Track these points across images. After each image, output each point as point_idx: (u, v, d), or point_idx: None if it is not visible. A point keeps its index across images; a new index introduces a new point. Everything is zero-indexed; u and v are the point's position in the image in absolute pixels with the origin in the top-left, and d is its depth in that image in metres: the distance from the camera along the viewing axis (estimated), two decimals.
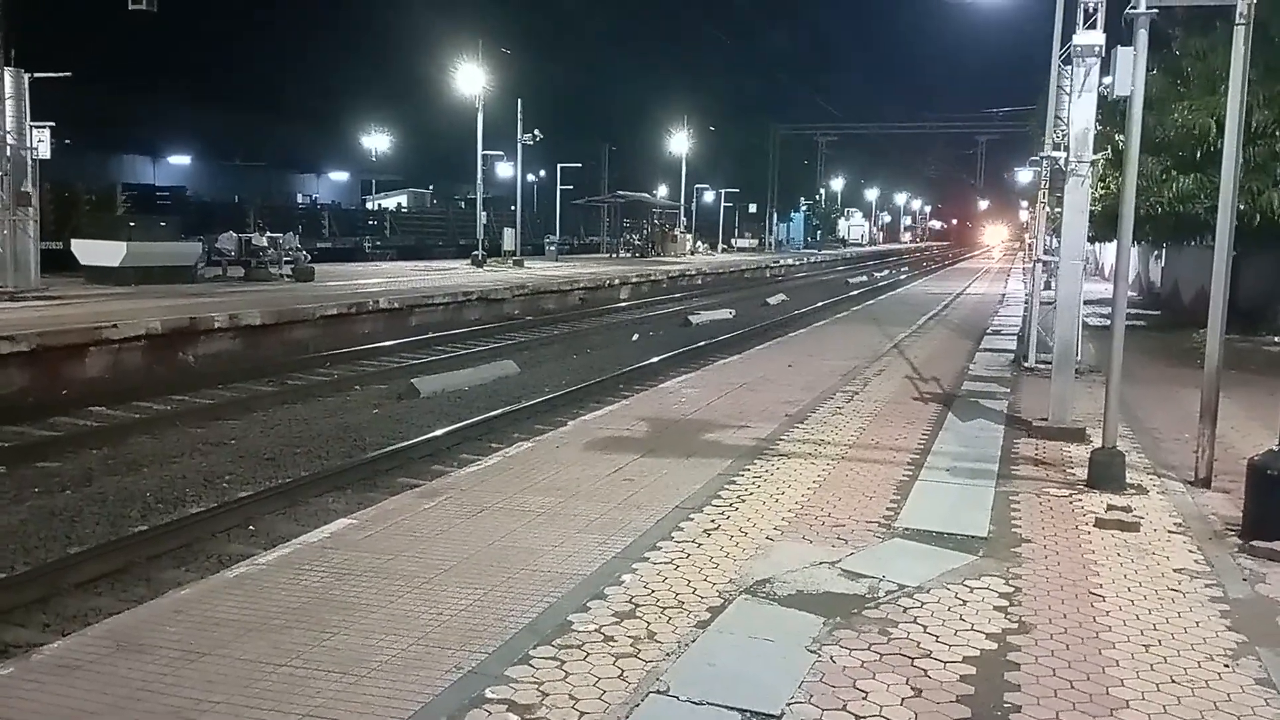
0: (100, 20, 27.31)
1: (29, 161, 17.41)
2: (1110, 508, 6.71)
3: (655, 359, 16.65)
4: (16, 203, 17.13)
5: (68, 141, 24.35)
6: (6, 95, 16.90)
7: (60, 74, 17.62)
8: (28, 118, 17.33)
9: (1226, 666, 4.33)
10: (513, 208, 40.91)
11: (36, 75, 17.31)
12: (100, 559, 6.86)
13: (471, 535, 5.82)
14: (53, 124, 17.73)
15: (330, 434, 11.06)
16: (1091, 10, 8.82)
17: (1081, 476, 7.46)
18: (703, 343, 19.05)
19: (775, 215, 76.05)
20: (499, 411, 11.98)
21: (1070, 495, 7.08)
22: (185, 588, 5.13)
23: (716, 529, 6.05)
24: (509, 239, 37.68)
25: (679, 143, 54.53)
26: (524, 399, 12.95)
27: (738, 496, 6.78)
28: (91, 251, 20.78)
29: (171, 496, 8.57)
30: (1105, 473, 7.26)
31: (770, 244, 72.08)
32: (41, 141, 17.55)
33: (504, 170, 44.32)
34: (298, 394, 13.20)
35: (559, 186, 47.92)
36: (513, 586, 5.01)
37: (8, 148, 16.94)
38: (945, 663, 4.28)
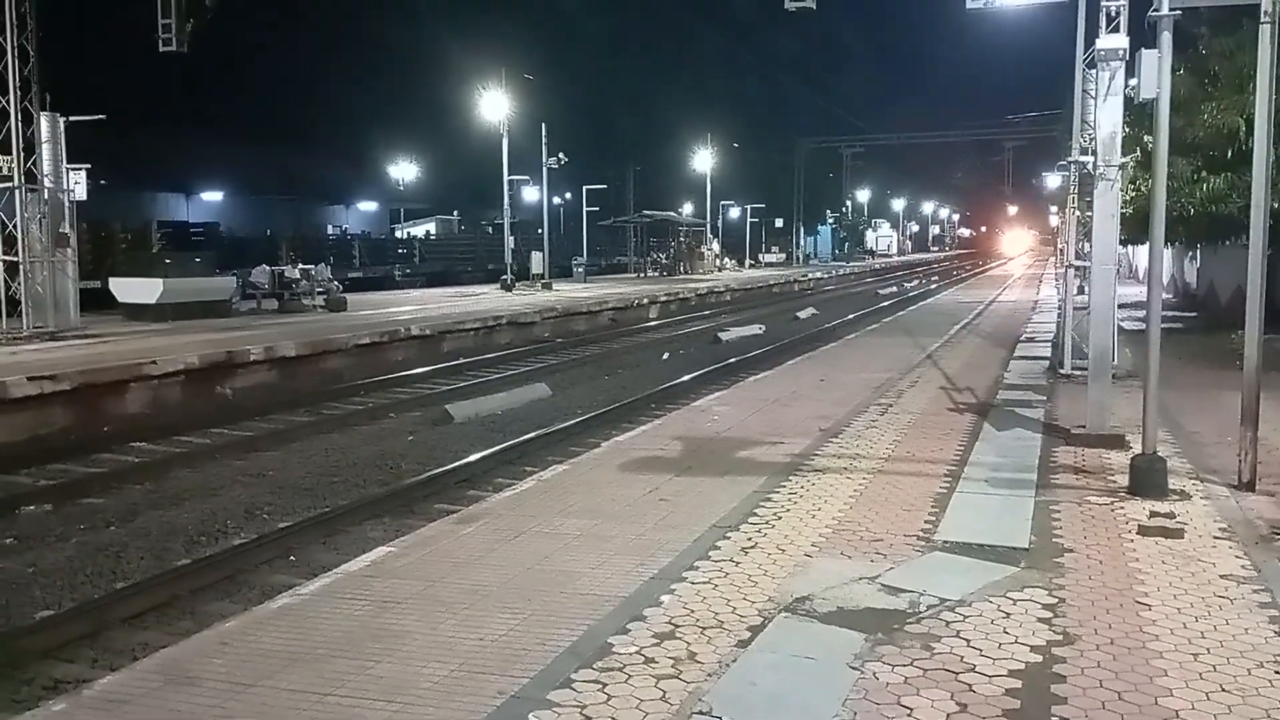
0: (132, 61, 27.89)
1: (66, 203, 17.78)
2: (1153, 514, 6.62)
3: (686, 377, 16.65)
4: (55, 244, 17.49)
5: (103, 182, 24.82)
6: (44, 139, 17.28)
7: (94, 117, 18.00)
8: (64, 160, 17.71)
9: (1277, 673, 4.26)
10: (540, 231, 41.15)
11: (72, 119, 17.69)
12: (146, 593, 6.96)
13: (510, 559, 5.84)
14: (88, 165, 18.10)
15: (367, 462, 11.15)
16: (1114, 14, 8.78)
17: (1122, 483, 7.37)
18: (733, 359, 19.03)
19: (802, 229, 75.94)
20: (533, 435, 12.03)
21: (1112, 503, 6.99)
22: (230, 620, 5.19)
23: (754, 547, 6.04)
24: (537, 262, 37.90)
25: (703, 160, 54.67)
26: (557, 421, 12.99)
27: (774, 514, 6.76)
28: (129, 289, 21.15)
29: (214, 529, 8.68)
30: (1147, 479, 7.17)
31: (798, 258, 71.94)
32: (78, 183, 17.92)
33: (530, 194, 44.68)
34: (334, 423, 13.33)
35: (585, 208, 48.15)
36: (552, 610, 5.02)
37: (45, 190, 17.32)
38: (990, 677, 4.24)
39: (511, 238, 35.74)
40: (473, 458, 10.82)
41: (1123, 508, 6.86)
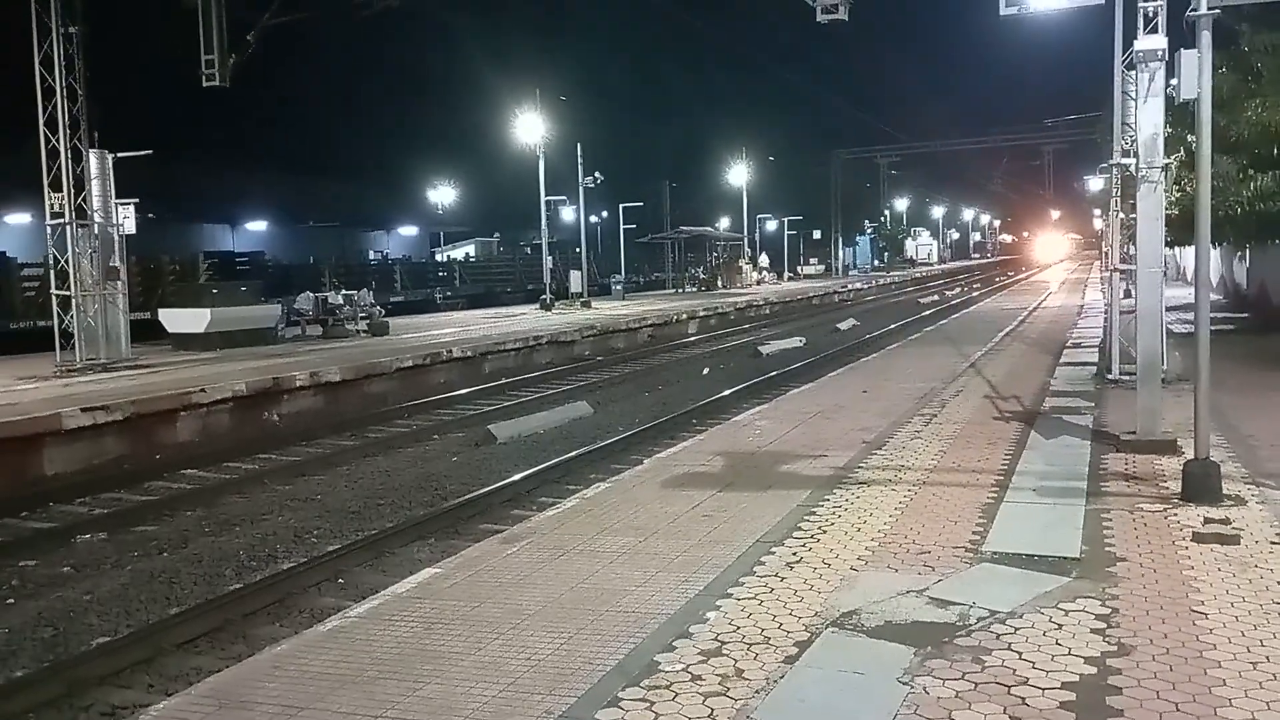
0: (177, 96, 28.55)
1: (116, 237, 18.18)
2: (1208, 521, 6.48)
3: (727, 391, 16.62)
4: (106, 277, 17.88)
5: (151, 215, 25.36)
6: (93, 175, 17.71)
7: (142, 152, 18.42)
8: (113, 196, 18.12)
9: None
10: (578, 250, 41.39)
11: (120, 155, 18.12)
12: (199, 618, 7.06)
13: (555, 579, 5.86)
14: (136, 200, 18.51)
15: (412, 484, 11.25)
16: (1151, 15, 8.67)
17: (1175, 490, 7.23)
18: (774, 372, 18.97)
19: (840, 240, 75.59)
20: (575, 453, 12.07)
21: (1165, 510, 6.86)
22: (281, 643, 5.25)
23: (799, 562, 6.00)
24: (575, 281, 38.10)
25: (739, 174, 54.68)
26: (599, 439, 13.02)
27: (819, 528, 6.71)
28: (177, 319, 21.57)
29: (264, 554, 8.80)
30: (1200, 485, 7.02)
31: (837, 269, 71.59)
32: (127, 218, 18.31)
33: (568, 214, 44.95)
34: (379, 446, 13.47)
35: (622, 226, 48.40)
36: (598, 628, 5.03)
37: (95, 225, 17.73)
38: (1044, 690, 4.17)
39: (550, 258, 36.01)
40: (516, 477, 10.88)
41: (1176, 515, 6.73)
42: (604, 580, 5.79)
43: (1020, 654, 4.53)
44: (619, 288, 43.58)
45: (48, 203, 17.48)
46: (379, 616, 5.39)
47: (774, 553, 6.18)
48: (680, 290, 48.05)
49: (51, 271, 18.24)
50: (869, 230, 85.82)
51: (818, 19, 16.75)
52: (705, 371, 20.81)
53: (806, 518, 6.96)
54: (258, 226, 58.62)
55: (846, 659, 4.57)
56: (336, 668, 4.70)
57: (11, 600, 7.87)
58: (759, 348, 24.42)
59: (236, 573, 8.32)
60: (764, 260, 58.62)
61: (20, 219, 42.85)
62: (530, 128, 34.12)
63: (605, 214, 57.38)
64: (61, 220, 17.41)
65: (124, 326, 18.49)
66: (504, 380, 19.35)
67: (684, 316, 31.22)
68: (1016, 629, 4.84)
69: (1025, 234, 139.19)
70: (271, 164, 52.32)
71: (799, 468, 8.65)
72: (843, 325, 30.74)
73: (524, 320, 28.49)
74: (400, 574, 7.15)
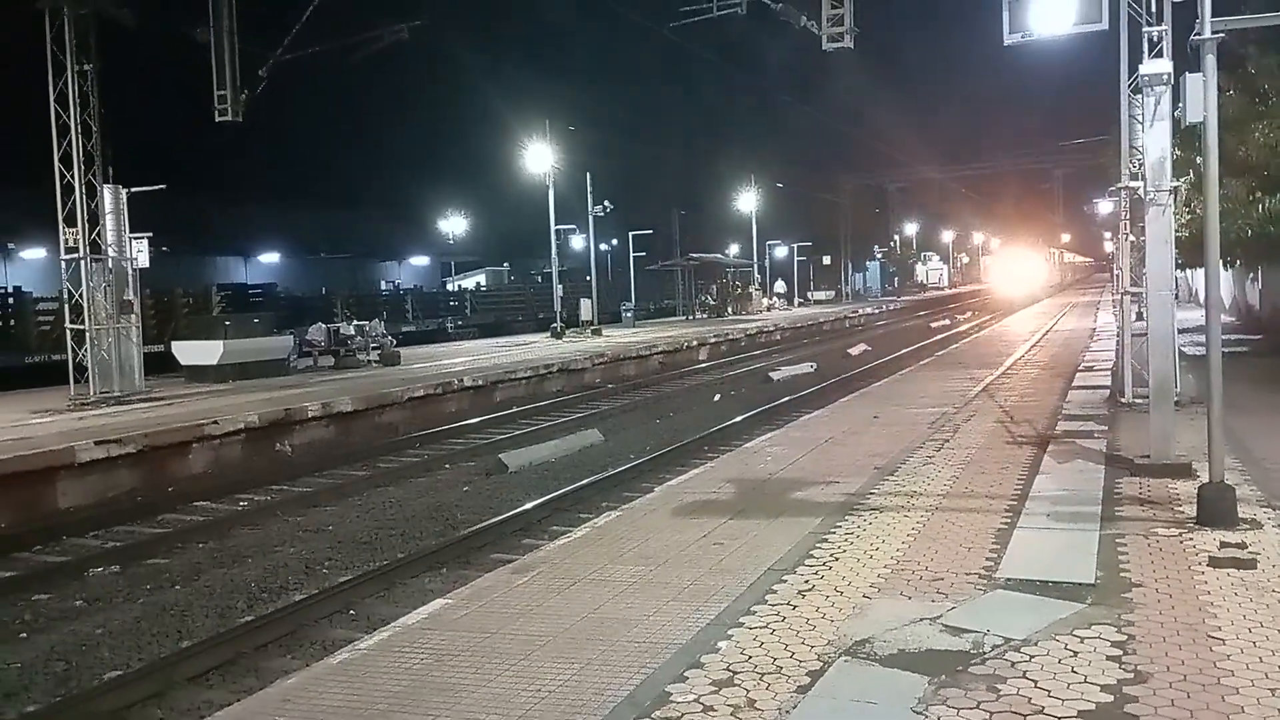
0: (190, 131, 28.87)
1: (130, 271, 18.34)
2: (1224, 545, 6.43)
3: (739, 418, 16.59)
4: (120, 311, 18.01)
5: (165, 249, 25.60)
6: (107, 210, 17.89)
7: (155, 187, 18.62)
8: (127, 230, 18.30)
9: None
10: (588, 278, 41.50)
11: (134, 190, 18.31)
12: (210, 651, 7.05)
13: (565, 609, 5.83)
14: (150, 234, 18.68)
15: (423, 514, 11.24)
16: (1156, 39, 8.71)
17: (1191, 514, 7.17)
18: (785, 399, 18.93)
19: (850, 265, 75.60)
20: (586, 481, 12.05)
21: (1180, 534, 6.80)
22: (292, 676, 5.24)
23: (811, 590, 5.97)
24: (586, 309, 38.16)
25: (747, 201, 54.84)
26: (610, 467, 13.00)
27: (831, 555, 6.68)
28: (191, 352, 21.68)
29: (275, 585, 8.80)
30: (1215, 509, 6.97)
31: (847, 294, 71.56)
32: (141, 252, 18.47)
33: (578, 242, 45.13)
34: (390, 476, 13.48)
35: (632, 253, 48.51)
36: (609, 659, 5.00)
37: (110, 260, 17.89)
38: (1059, 718, 4.12)
39: (560, 286, 36.08)
40: (527, 506, 10.86)
41: (1192, 539, 6.67)
42: (615, 610, 5.76)
43: (1036, 682, 4.49)
44: (629, 315, 43.61)
45: (63, 238, 17.66)
46: (389, 648, 5.38)
47: (786, 581, 6.15)
48: (691, 317, 48.07)
49: (66, 306, 18.38)
50: (879, 255, 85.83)
51: (823, 47, 16.88)
52: (716, 398, 20.78)
53: (818, 545, 6.92)
54: (270, 258, 59.03)
55: (860, 688, 4.53)
56: (347, 701, 4.68)
57: (24, 634, 7.87)
58: (770, 374, 24.39)
59: (248, 605, 8.32)
60: (779, 287, 58.61)
61: (36, 254, 43.30)
62: (539, 158, 34.34)
63: (615, 242, 57.59)
64: (76, 255, 17.57)
65: (138, 359, 18.60)
66: (515, 409, 19.37)
67: (694, 343, 31.23)
68: (1032, 657, 4.79)
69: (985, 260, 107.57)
70: (283, 196, 52.79)
71: (811, 494, 8.61)
72: (854, 350, 30.69)
73: (535, 349, 28.55)
74: (411, 605, 7.14)
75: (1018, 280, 64.40)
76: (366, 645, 5.49)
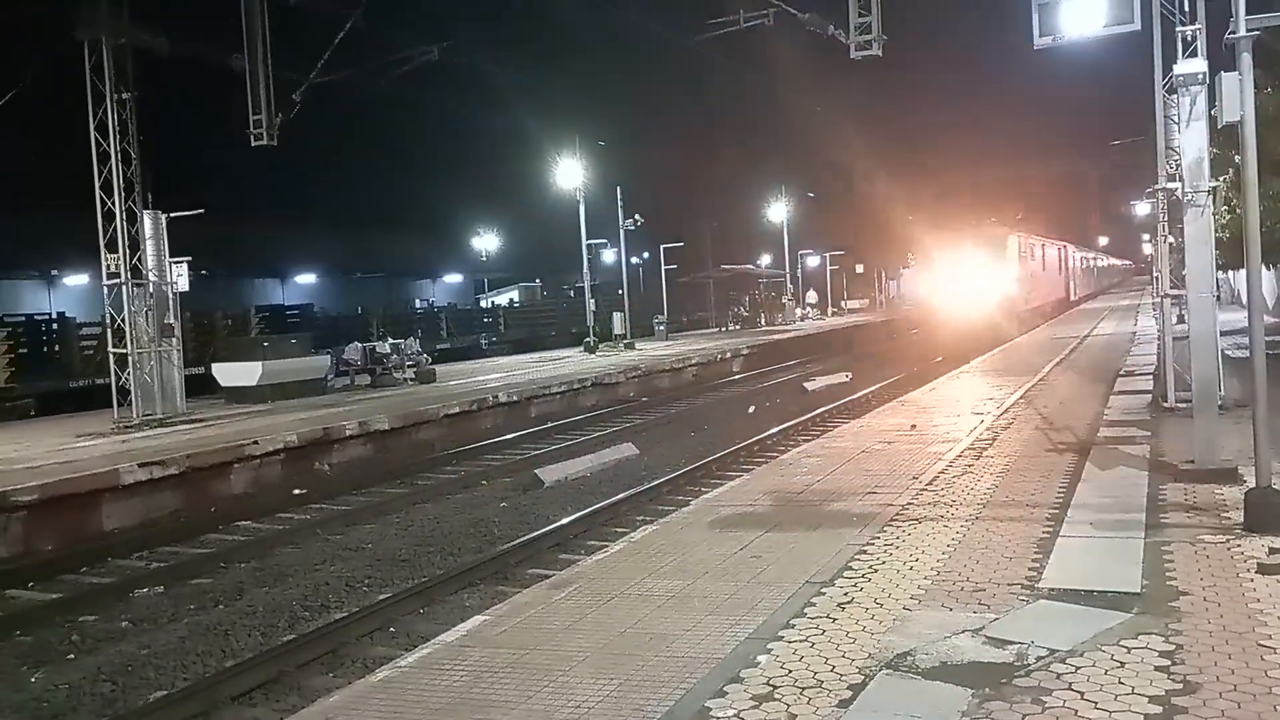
0: (227, 155, 29.35)
1: (170, 295, 18.63)
2: (1272, 551, 6.30)
3: (774, 430, 16.53)
4: (161, 335, 18.30)
5: (204, 272, 25.99)
6: (147, 236, 18.20)
7: (194, 212, 18.92)
8: (167, 254, 18.59)
9: None
10: (620, 292, 41.57)
11: (173, 215, 18.62)
12: (254, 670, 7.12)
13: (603, 624, 5.83)
14: (189, 258, 18.97)
15: (461, 531, 11.30)
16: (1190, 38, 8.59)
17: (1237, 520, 7.03)
18: (820, 410, 18.83)
19: (884, 273, 75.05)
20: (621, 496, 12.05)
21: (1227, 541, 6.67)
22: (334, 695, 5.28)
23: (851, 602, 5.91)
24: (618, 323, 38.19)
25: (778, 211, 54.71)
26: (645, 481, 12.99)
27: (870, 567, 6.62)
28: (230, 373, 21.97)
29: (316, 604, 8.87)
30: (1263, 514, 6.82)
31: (881, 302, 71.05)
32: (181, 275, 18.77)
33: (609, 256, 45.20)
34: (427, 493, 13.56)
35: (663, 266, 48.53)
36: (648, 674, 4.98)
37: (150, 284, 18.18)
38: None
39: (592, 300, 36.15)
40: (564, 521, 10.88)
41: (1239, 545, 6.54)
42: (653, 625, 5.74)
43: (1082, 694, 4.42)
44: (661, 328, 43.57)
45: (104, 263, 17.98)
46: (429, 665, 5.40)
47: (825, 593, 6.10)
48: (723, 329, 47.99)
49: (109, 330, 18.69)
50: (913, 261, 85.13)
51: (851, 55, 16.83)
52: (751, 410, 20.71)
53: (857, 557, 6.87)
54: (307, 279, 59.73)
55: (902, 702, 4.48)
56: (388, 719, 4.70)
57: (71, 655, 8.00)
58: (804, 384, 24.27)
59: (290, 624, 8.39)
60: (811, 297, 58.32)
61: (78, 280, 44.10)
62: (569, 173, 34.49)
63: (646, 255, 57.63)
64: (118, 280, 17.88)
65: (179, 382, 18.86)
66: (550, 424, 19.42)
67: (728, 355, 31.16)
68: (1077, 668, 4.71)
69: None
70: (318, 218, 53.42)
71: (848, 506, 8.55)
72: (889, 358, 30.46)
73: (568, 363, 28.62)
74: (450, 622, 7.16)
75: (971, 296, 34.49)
76: (406, 663, 5.52)
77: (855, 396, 20.88)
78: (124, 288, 17.87)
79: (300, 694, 6.73)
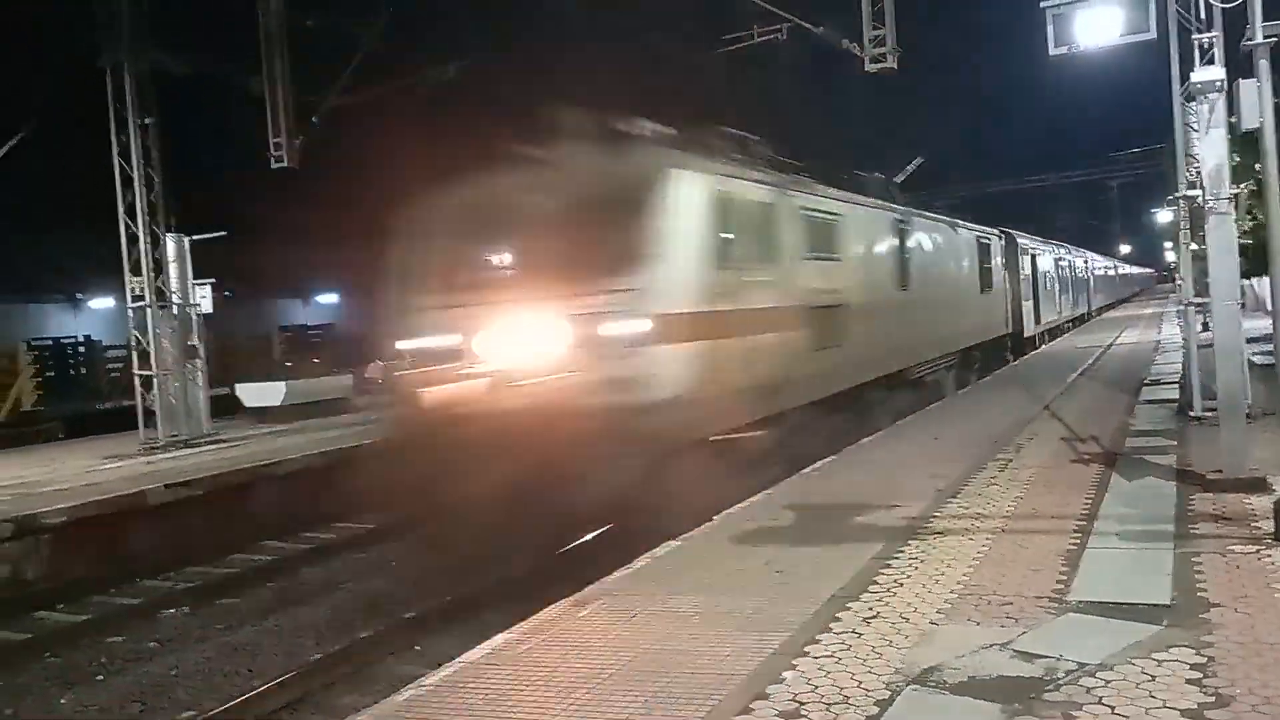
0: (248, 177, 29.65)
1: (194, 317, 18.81)
2: None
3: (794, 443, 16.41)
4: (185, 356, 18.47)
5: (227, 293, 26.21)
6: (171, 259, 18.39)
7: (216, 234, 19.13)
8: (190, 277, 18.78)
9: None
10: None
11: (195, 238, 18.82)
12: (281, 690, 7.16)
13: (627, 641, 5.82)
14: (213, 280, 19.17)
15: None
16: (1207, 46, 8.56)
17: (1268, 529, 6.94)
18: (841, 421, 18.70)
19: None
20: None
21: (1258, 551, 6.59)
22: (360, 714, 5.29)
23: (876, 616, 5.88)
24: None
25: None
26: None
27: (894, 580, 6.58)
28: (254, 394, 22.14)
29: (341, 622, 8.91)
30: None
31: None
32: (204, 298, 18.96)
33: None
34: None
35: None
36: (673, 692, 4.97)
37: (174, 306, 18.37)
38: None
39: None
40: (587, 537, 10.85)
41: (1270, 555, 6.45)
42: (677, 642, 5.73)
43: (1113, 708, 4.37)
44: None
45: (128, 286, 18.19)
46: (453, 685, 5.40)
47: (850, 608, 6.07)
48: None
49: (134, 352, 18.88)
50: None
51: (866, 68, 16.84)
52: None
53: (882, 571, 6.83)
54: (328, 299, 60.18)
55: (929, 718, 4.45)
56: None
57: (100, 676, 8.06)
58: None
59: (316, 642, 8.43)
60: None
61: (104, 303, 44.53)
62: None
63: None
64: (142, 303, 18.07)
65: (204, 402, 19.03)
66: None
67: None
68: (1107, 681, 4.66)
69: None
70: (339, 238, 53.83)
71: (872, 519, 8.50)
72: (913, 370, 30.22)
73: None
74: (473, 640, 7.16)
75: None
76: (431, 682, 5.52)
77: (878, 408, 20.73)
78: (148, 310, 18.06)
79: (326, 714, 6.75)
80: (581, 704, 4.92)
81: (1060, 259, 38.30)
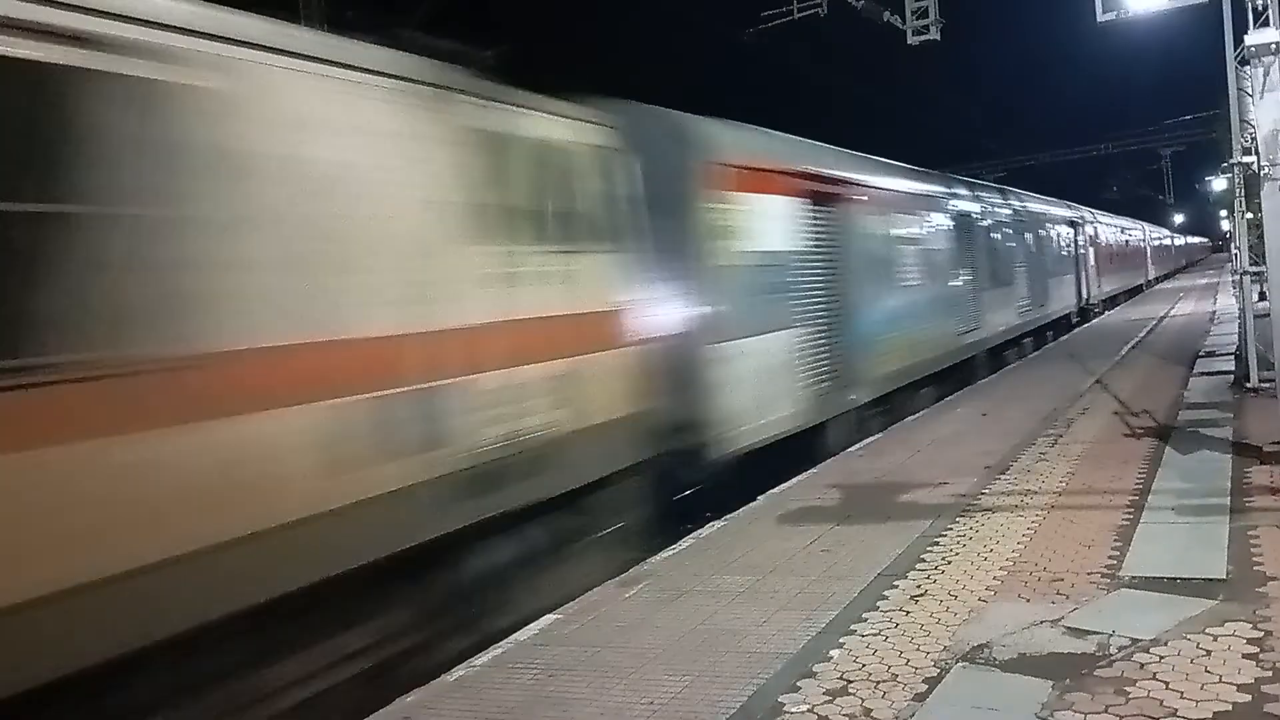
0: None
1: None
2: None
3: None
4: None
5: None
6: None
7: None
8: None
9: None
10: None
11: None
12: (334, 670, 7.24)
13: (673, 621, 5.83)
14: None
15: None
16: (1261, 8, 8.30)
17: None
18: (886, 399, 18.53)
19: None
20: (686, 493, 12.00)
21: None
22: (410, 694, 5.35)
23: (924, 594, 5.84)
24: None
25: None
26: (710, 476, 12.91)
27: (942, 558, 6.52)
28: None
29: None
30: None
31: None
32: None
33: None
34: None
35: None
36: (720, 670, 4.98)
37: None
38: None
39: None
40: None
41: None
42: (723, 621, 5.73)
43: (1167, 684, 4.30)
44: None
45: None
46: (503, 664, 5.46)
47: (897, 586, 6.03)
48: None
49: None
50: None
51: (909, 41, 16.59)
52: None
53: (929, 548, 6.77)
54: None
55: (980, 695, 4.41)
56: (464, 717, 4.77)
57: None
58: None
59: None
60: None
61: None
62: None
63: None
64: None
65: None
66: None
67: None
68: (1161, 657, 4.59)
69: None
70: None
71: (919, 497, 8.43)
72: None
73: None
74: (521, 620, 7.22)
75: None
76: (481, 662, 5.59)
77: (922, 383, 20.51)
78: None
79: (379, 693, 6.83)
80: (630, 682, 4.95)
81: (1120, 231, 39.15)
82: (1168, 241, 68.61)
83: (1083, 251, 29.58)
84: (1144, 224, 52.60)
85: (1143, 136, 72.72)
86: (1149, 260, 49.30)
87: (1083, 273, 29.26)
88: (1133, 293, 41.21)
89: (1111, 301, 34.86)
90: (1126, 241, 41.67)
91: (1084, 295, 29.19)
